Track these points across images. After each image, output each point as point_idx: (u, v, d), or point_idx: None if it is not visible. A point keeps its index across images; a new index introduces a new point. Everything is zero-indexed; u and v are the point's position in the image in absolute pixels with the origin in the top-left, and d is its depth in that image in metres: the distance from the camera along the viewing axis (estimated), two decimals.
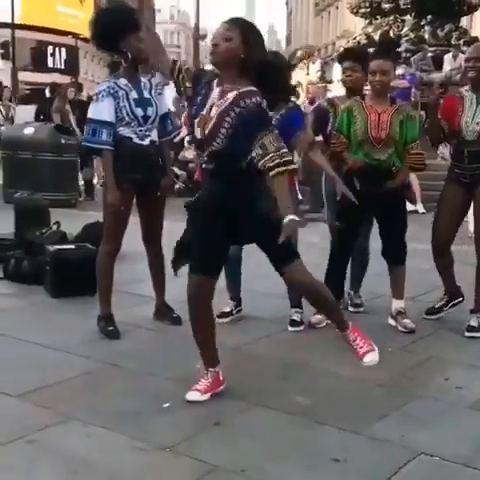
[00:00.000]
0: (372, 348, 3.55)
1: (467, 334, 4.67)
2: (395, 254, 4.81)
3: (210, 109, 3.28)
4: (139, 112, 4.39)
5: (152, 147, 4.50)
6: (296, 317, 4.74)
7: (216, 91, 3.30)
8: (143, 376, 3.87)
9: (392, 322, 4.82)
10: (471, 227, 8.22)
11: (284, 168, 3.18)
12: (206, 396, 3.54)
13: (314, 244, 5.78)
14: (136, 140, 4.41)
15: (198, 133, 3.32)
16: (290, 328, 4.70)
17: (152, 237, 4.74)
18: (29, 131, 10.08)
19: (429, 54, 14.63)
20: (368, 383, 3.79)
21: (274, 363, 4.09)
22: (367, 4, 16.48)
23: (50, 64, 40.54)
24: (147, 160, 4.46)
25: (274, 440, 3.16)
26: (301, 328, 4.72)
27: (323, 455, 3.03)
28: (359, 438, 3.20)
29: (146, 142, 4.45)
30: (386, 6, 16.13)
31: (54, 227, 6.07)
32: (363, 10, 16.86)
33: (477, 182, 4.60)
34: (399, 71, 13.90)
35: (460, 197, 4.68)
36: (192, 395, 3.53)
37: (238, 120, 3.21)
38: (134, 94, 4.41)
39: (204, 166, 3.38)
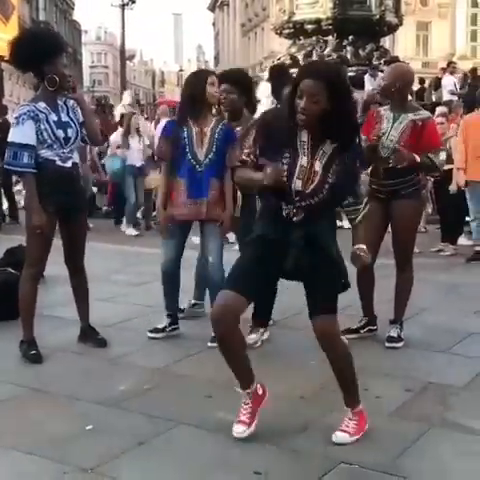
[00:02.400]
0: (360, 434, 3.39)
1: (387, 345, 4.79)
2: None
3: (311, 163, 3.19)
4: (60, 134, 4.40)
5: (74, 169, 4.51)
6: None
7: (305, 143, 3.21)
8: (66, 400, 3.85)
9: None
10: None
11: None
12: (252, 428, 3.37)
13: None
14: (59, 162, 4.41)
15: (298, 185, 3.20)
16: (209, 344, 4.69)
17: (75, 260, 4.72)
18: None
19: (349, 74, 14.94)
20: (291, 397, 3.85)
21: (200, 381, 4.12)
22: (291, 25, 16.72)
23: None
24: (70, 183, 4.46)
25: (196, 458, 3.19)
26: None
27: (245, 469, 3.07)
28: (281, 451, 3.26)
29: (68, 164, 4.46)
30: (309, 27, 16.39)
31: None
32: (287, 31, 17.10)
33: (393, 198, 4.74)
34: None
35: (379, 212, 4.79)
36: (238, 429, 3.36)
37: (341, 172, 3.20)
38: (53, 117, 4.41)
39: (293, 218, 3.22)
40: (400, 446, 3.32)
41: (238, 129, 4.91)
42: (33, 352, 4.44)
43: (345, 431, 3.34)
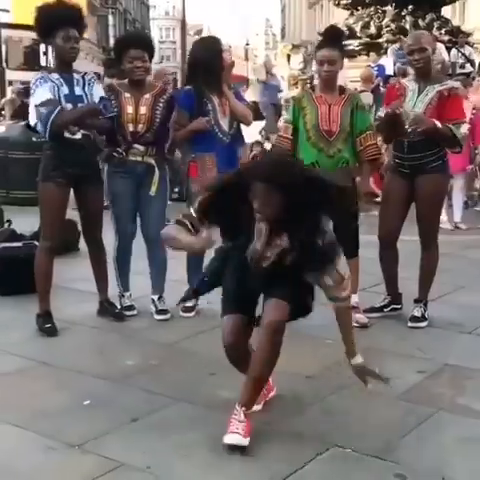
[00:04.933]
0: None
1: (410, 324, 4.64)
2: (348, 246, 4.72)
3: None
4: (68, 107, 4.35)
5: (84, 141, 4.46)
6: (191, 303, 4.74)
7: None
8: (71, 374, 3.84)
9: None
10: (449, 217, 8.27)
11: None
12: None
13: None
14: (67, 135, 4.37)
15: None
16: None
17: (92, 233, 4.72)
18: (17, 130, 10.03)
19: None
20: (297, 376, 3.75)
21: (207, 358, 4.05)
22: None
23: (43, 63, 40.44)
24: (79, 154, 4.41)
25: (187, 436, 3.13)
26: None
27: (238, 449, 3.00)
28: (276, 431, 3.18)
29: (78, 136, 4.41)
30: None
31: (6, 225, 6.04)
32: (344, 1, 16.77)
33: (417, 173, 4.54)
34: (380, 61, 13.86)
35: (402, 188, 4.62)
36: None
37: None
38: (65, 89, 4.37)
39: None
40: (400, 430, 3.20)
41: None
42: (48, 325, 4.45)
43: (235, 432, 3.00)
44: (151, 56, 4.71)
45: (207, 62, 4.62)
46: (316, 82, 4.98)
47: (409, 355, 4.16)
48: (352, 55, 15.27)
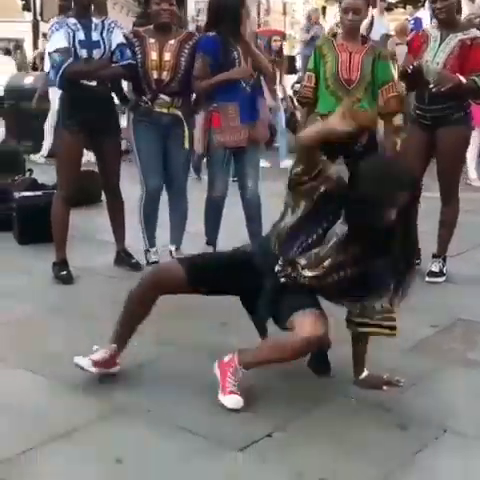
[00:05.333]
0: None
1: (428, 279, 4.59)
2: None
3: None
4: (83, 53, 4.33)
5: (100, 87, 4.43)
6: None
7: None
8: (83, 320, 3.88)
9: None
10: (471, 174, 8.12)
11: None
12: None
13: None
14: (83, 81, 4.34)
15: None
16: None
17: (109, 183, 4.72)
18: (29, 80, 10.04)
19: None
20: None
21: (220, 308, 4.05)
22: None
23: None
24: (94, 101, 4.38)
25: (189, 381, 3.14)
26: None
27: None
28: (276, 381, 3.18)
29: (93, 83, 4.38)
30: None
31: (27, 175, 6.07)
32: None
33: (438, 124, 4.44)
34: (417, 14, 13.51)
35: (423, 140, 4.53)
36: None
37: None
38: (81, 35, 4.33)
39: None
40: (406, 381, 3.15)
41: None
42: (64, 272, 4.49)
43: (234, 393, 2.95)
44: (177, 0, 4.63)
45: (233, 8, 4.47)
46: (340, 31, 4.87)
47: (424, 309, 4.10)
48: (389, 8, 14.93)
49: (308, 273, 2.90)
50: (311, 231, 2.88)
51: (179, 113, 4.57)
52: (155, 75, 4.48)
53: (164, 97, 4.52)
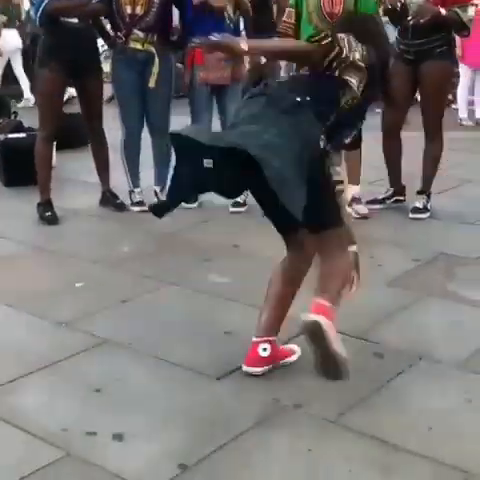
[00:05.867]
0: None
1: (411, 216, 4.60)
2: None
3: None
4: None
5: (81, 25, 4.39)
6: (239, 199, 4.71)
7: None
8: (67, 258, 3.90)
9: (348, 209, 4.69)
10: (461, 113, 8.08)
11: None
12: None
13: None
14: (63, 19, 4.29)
15: None
16: (231, 209, 4.68)
17: (92, 124, 4.70)
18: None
19: None
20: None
21: (205, 246, 4.08)
22: None
23: None
24: (75, 38, 4.33)
25: (171, 315, 3.19)
26: (242, 209, 4.69)
27: (215, 328, 3.05)
28: (256, 311, 3.21)
29: (74, 20, 4.33)
30: None
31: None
32: None
33: (422, 59, 4.41)
34: None
35: (407, 75, 4.49)
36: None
37: None
38: None
39: None
40: (385, 313, 3.22)
41: None
42: (48, 213, 4.50)
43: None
44: None
45: None
46: None
47: (405, 244, 4.15)
48: None
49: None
50: None
51: (153, 49, 4.53)
52: (129, 10, 4.46)
53: (138, 32, 4.49)
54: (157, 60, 4.53)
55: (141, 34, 4.50)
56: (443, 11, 4.20)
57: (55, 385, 2.63)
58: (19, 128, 5.76)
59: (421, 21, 4.22)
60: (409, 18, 4.27)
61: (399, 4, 4.34)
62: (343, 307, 3.24)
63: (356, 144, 4.58)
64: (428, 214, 4.62)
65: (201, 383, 2.64)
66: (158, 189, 4.85)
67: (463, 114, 8.23)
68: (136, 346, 2.90)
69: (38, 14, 4.23)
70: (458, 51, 7.55)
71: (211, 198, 4.68)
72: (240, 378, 2.66)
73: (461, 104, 8.26)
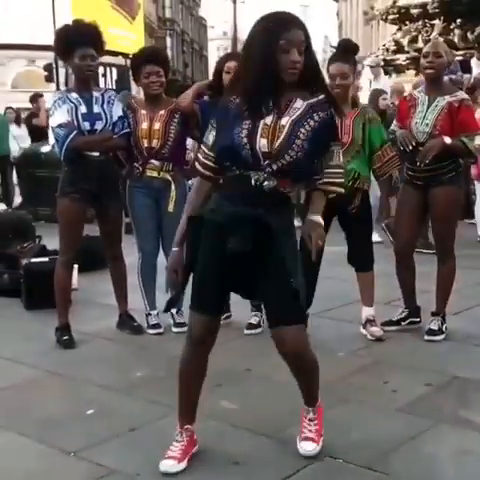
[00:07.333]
0: (318, 439, 3.10)
1: (426, 338, 4.58)
2: (362, 260, 4.73)
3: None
4: (86, 126, 4.50)
5: (103, 157, 4.59)
6: (253, 320, 4.74)
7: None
8: (80, 384, 3.94)
9: (363, 331, 4.70)
10: (478, 230, 8.13)
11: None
12: (183, 464, 2.96)
13: None
14: (86, 152, 4.51)
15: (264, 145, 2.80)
16: (246, 331, 4.72)
17: (111, 249, 4.84)
18: (46, 149, 10.28)
19: (456, 58, 14.41)
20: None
21: (217, 370, 4.07)
22: (395, 10, 16.38)
23: (102, 84, 41.18)
24: (97, 170, 4.53)
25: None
26: (258, 331, 4.71)
27: (224, 458, 3.03)
28: (268, 440, 3.20)
29: (96, 153, 4.54)
30: (415, 11, 15.97)
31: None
32: (392, 16, 16.77)
33: (430, 184, 4.52)
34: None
35: (416, 200, 4.60)
36: (166, 465, 2.94)
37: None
38: (83, 108, 4.51)
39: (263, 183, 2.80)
40: (396, 442, 3.18)
41: None
42: (65, 338, 4.57)
43: (309, 439, 3.08)
44: (166, 72, 4.82)
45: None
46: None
47: (419, 367, 4.13)
48: (400, 70, 15.21)
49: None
50: None
51: (169, 177, 4.73)
52: (145, 143, 4.69)
53: (154, 162, 4.71)
54: (174, 187, 4.72)
55: (157, 163, 4.72)
56: (448, 140, 4.33)
57: None
58: (42, 252, 5.93)
59: (427, 161, 4.39)
60: (417, 160, 4.44)
61: (410, 147, 4.51)
62: (354, 435, 3.25)
63: (369, 266, 4.69)
64: (443, 336, 4.60)
65: None
66: (174, 311, 4.92)
67: None
68: (143, 477, 2.89)
69: (63, 150, 4.46)
70: (473, 170, 7.73)
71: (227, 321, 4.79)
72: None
73: (479, 221, 8.33)
